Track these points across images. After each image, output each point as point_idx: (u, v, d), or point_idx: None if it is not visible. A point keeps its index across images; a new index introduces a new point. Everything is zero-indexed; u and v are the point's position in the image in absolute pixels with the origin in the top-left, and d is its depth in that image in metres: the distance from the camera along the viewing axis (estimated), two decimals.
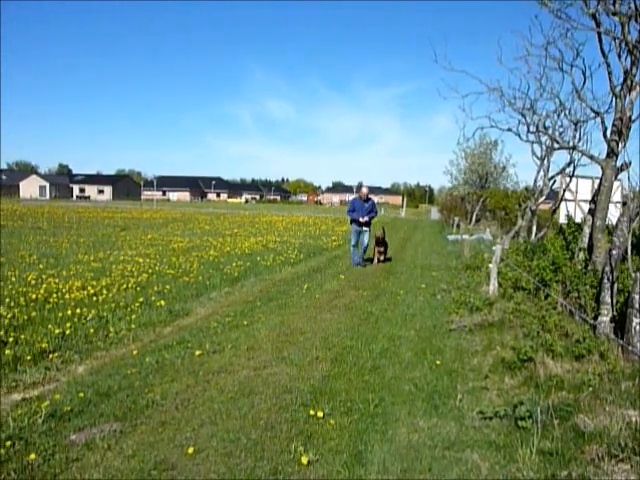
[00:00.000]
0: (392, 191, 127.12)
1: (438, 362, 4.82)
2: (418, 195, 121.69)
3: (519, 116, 10.67)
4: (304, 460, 2.95)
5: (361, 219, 11.23)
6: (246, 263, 10.82)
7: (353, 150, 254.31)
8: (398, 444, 3.26)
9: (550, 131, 10.44)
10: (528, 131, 11.00)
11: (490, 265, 7.98)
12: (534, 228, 12.99)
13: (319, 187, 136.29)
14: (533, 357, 4.56)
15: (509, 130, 10.99)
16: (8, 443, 3.10)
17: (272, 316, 6.57)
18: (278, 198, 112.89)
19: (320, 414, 3.57)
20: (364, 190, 11.60)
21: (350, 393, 4.04)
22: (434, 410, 3.78)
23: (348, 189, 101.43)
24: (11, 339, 5.02)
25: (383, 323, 6.36)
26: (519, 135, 11.18)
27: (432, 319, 6.60)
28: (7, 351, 4.67)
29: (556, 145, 10.72)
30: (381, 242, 11.90)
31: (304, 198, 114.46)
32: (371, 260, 11.88)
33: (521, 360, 4.56)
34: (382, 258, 11.95)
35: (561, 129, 10.55)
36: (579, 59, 8.22)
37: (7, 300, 6.43)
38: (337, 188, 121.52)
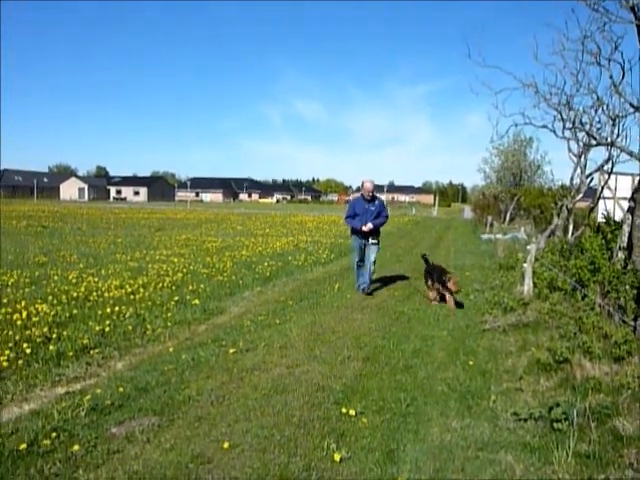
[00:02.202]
0: (424, 190, 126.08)
1: (471, 362, 4.78)
2: (450, 194, 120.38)
3: (555, 112, 10.41)
4: (337, 457, 2.99)
5: (364, 228, 8.04)
6: (278, 263, 10.92)
7: (384, 149, 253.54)
8: (430, 444, 3.26)
9: (587, 127, 10.15)
10: (564, 128, 10.71)
11: (524, 265, 7.84)
12: (571, 227, 12.66)
13: (350, 187, 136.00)
14: (569, 359, 4.48)
15: (544, 127, 10.73)
16: (53, 434, 3.24)
17: (304, 315, 6.63)
18: (309, 198, 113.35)
19: (352, 412, 3.61)
20: (368, 185, 8.16)
21: (382, 392, 4.06)
22: (467, 411, 3.76)
23: (379, 188, 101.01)
24: (54, 335, 5.23)
25: (415, 323, 6.34)
26: (554, 132, 10.90)
27: (465, 319, 6.54)
28: (51, 347, 4.86)
29: (593, 141, 10.40)
30: (438, 274, 7.59)
31: (335, 198, 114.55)
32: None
33: (557, 361, 4.49)
34: (450, 302, 7.35)
35: (599, 125, 10.22)
36: (617, 53, 7.95)
37: (50, 298, 6.68)
38: None
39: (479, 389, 4.17)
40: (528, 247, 8.22)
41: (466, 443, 3.27)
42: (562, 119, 10.37)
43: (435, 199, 72.32)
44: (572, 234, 12.31)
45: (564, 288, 7.10)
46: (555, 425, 3.40)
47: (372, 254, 8.31)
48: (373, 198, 8.27)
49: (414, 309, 7.11)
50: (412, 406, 3.81)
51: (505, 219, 25.22)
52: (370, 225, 8.10)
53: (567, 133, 11.07)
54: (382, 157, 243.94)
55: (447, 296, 7.36)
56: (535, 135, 27.11)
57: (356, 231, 8.26)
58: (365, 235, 8.21)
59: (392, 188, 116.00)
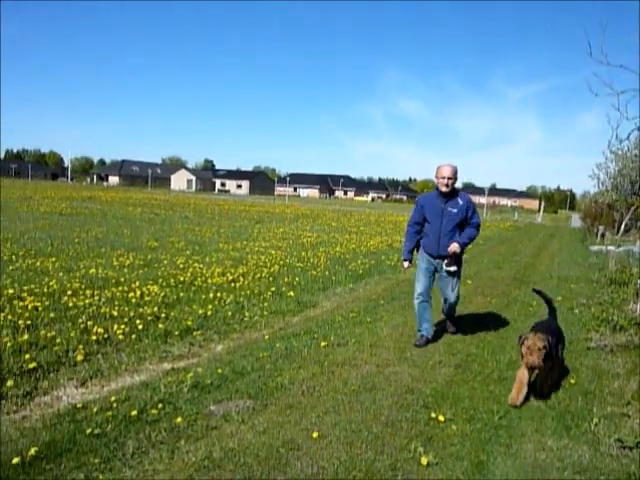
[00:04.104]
0: (528, 194, 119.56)
1: (572, 381, 4.50)
2: (557, 200, 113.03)
3: None
4: (424, 461, 2.98)
5: (449, 250, 5.17)
6: (371, 261, 10.95)
7: (487, 150, 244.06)
8: (523, 460, 3.13)
9: None
10: None
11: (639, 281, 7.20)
12: None
13: None
14: None
15: None
16: (160, 405, 3.54)
17: (395, 315, 6.61)
18: (404, 198, 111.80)
19: (441, 418, 3.56)
20: (445, 169, 5.14)
21: (473, 401, 3.96)
22: (565, 431, 3.56)
23: (479, 191, 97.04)
24: (163, 315, 5.68)
25: (512, 333, 6.07)
26: None
27: (568, 335, 6.09)
28: (160, 325, 5.29)
29: None
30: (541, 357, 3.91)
31: None
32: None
33: None
34: (517, 387, 3.99)
35: None
36: None
37: (160, 280, 7.25)
38: (467, 189, 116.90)
39: (580, 410, 3.92)
40: None
41: (562, 465, 3.10)
42: None
43: (540, 204, 68.23)
44: None
45: None
46: None
47: (450, 288, 5.38)
48: (454, 193, 5.25)
49: (511, 319, 6.81)
50: (505, 419, 3.67)
51: (619, 230, 23.20)
52: (456, 247, 5.12)
53: None
54: (485, 158, 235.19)
55: (519, 372, 4.06)
56: None
57: (425, 244, 5.36)
58: (439, 254, 5.25)
59: (494, 191, 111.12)
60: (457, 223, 5.21)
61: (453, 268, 5.24)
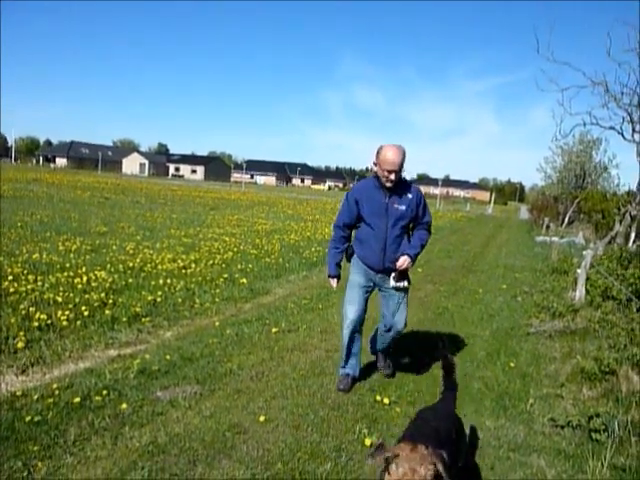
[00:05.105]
0: (480, 186, 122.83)
1: (512, 364, 4.72)
2: (508, 192, 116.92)
3: (624, 113, 9.94)
4: (367, 442, 3.07)
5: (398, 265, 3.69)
6: (325, 249, 10.99)
7: (442, 142, 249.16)
8: None
9: None
10: (633, 130, 10.21)
11: (578, 270, 7.57)
12: (632, 235, 12.08)
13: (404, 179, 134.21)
14: (616, 370, 4.34)
15: (611, 128, 10.27)
16: (104, 392, 3.47)
17: None
18: None
19: (386, 401, 3.66)
20: (391, 155, 3.53)
21: (418, 384, 4.09)
22: (503, 411, 3.73)
23: (433, 181, 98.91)
24: (110, 301, 5.54)
25: (458, 320, 6.29)
26: (622, 134, 10.40)
27: (510, 321, 6.42)
28: (107, 311, 5.17)
29: None
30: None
31: None
32: None
33: (602, 372, 4.36)
34: None
35: None
36: None
37: (108, 266, 7.06)
38: (422, 180, 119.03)
39: (517, 391, 4.12)
40: (584, 252, 7.94)
41: (498, 443, 3.26)
42: (631, 121, 9.88)
43: (491, 196, 70.36)
44: (634, 242, 11.77)
45: (618, 298, 6.83)
46: (593, 435, 3.33)
47: (399, 310, 3.88)
48: (402, 185, 3.76)
49: (458, 306, 7.04)
50: None
51: (563, 222, 24.27)
52: (407, 261, 3.69)
53: (637, 136, 10.54)
54: (441, 150, 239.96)
55: None
56: (603, 135, 25.66)
57: (365, 254, 3.87)
58: (385, 267, 3.79)
59: (447, 182, 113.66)
60: (406, 224, 3.80)
61: (404, 284, 3.82)
